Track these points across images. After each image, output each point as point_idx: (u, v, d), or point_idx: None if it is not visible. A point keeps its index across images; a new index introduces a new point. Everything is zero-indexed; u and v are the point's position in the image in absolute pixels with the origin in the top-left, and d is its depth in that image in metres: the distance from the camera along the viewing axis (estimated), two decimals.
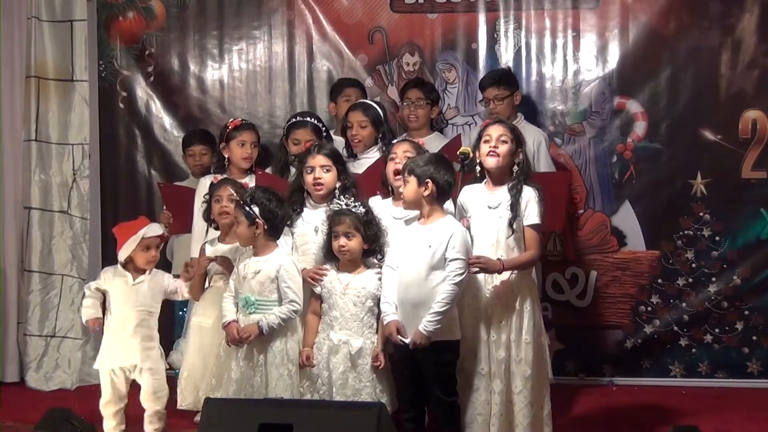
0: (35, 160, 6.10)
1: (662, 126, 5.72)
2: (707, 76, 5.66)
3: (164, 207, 5.60)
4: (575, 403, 5.34)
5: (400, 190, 4.39)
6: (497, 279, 4.36)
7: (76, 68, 6.11)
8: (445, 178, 4.25)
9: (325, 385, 4.38)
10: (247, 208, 4.40)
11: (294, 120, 5.24)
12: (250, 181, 4.98)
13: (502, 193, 4.38)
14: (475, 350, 4.35)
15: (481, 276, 4.36)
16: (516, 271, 4.36)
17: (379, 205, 4.60)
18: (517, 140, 4.41)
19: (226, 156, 5.19)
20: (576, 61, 5.79)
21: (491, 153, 4.37)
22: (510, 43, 5.84)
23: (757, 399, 5.39)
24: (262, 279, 4.40)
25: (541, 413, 4.43)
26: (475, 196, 4.44)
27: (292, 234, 4.62)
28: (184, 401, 4.78)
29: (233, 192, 4.69)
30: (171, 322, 5.49)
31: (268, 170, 5.30)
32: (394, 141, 4.80)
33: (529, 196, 4.35)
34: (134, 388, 4.67)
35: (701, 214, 5.68)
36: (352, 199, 4.47)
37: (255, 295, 4.41)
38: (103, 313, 4.66)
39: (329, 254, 4.46)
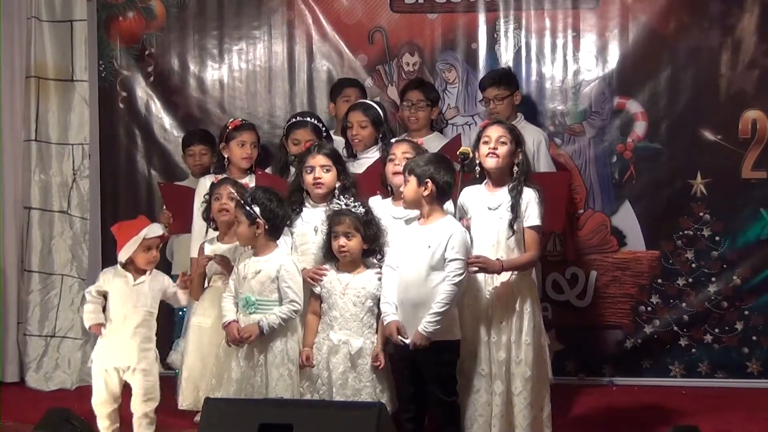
0: (35, 160, 6.10)
1: (662, 126, 5.72)
2: (707, 76, 5.67)
3: (164, 207, 5.60)
4: (575, 403, 5.34)
5: (401, 189, 4.39)
6: (497, 280, 4.36)
7: (76, 68, 6.11)
8: (445, 179, 4.25)
9: (324, 385, 4.38)
10: (248, 208, 4.40)
11: (294, 120, 5.24)
12: (250, 181, 4.98)
13: (503, 194, 4.38)
14: (476, 351, 4.35)
15: (481, 277, 4.36)
16: (516, 272, 4.36)
17: (378, 205, 4.60)
18: (517, 140, 4.40)
19: (226, 156, 5.19)
20: (576, 61, 5.79)
21: (490, 154, 4.36)
22: (510, 43, 5.84)
23: (757, 399, 5.39)
24: (263, 279, 4.40)
25: (541, 414, 4.43)
26: (475, 197, 4.43)
27: (292, 234, 4.62)
28: (184, 401, 4.78)
29: (233, 190, 4.69)
30: (170, 323, 5.49)
31: (268, 170, 5.30)
32: (393, 140, 4.78)
33: (530, 197, 4.35)
34: (128, 388, 4.63)
35: (701, 214, 5.68)
36: (352, 199, 4.47)
37: (255, 295, 4.41)
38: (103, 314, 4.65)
39: (329, 254, 4.46)
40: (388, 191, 4.64)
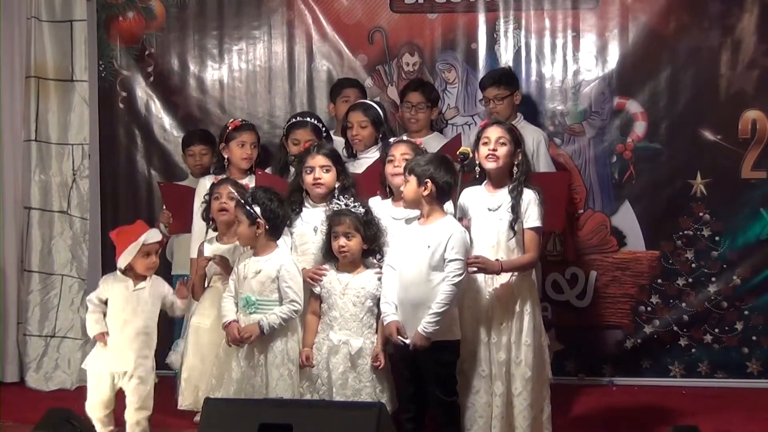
0: (35, 160, 6.10)
1: (662, 126, 5.72)
2: (707, 76, 5.67)
3: (164, 206, 5.61)
4: (575, 403, 5.34)
5: (401, 189, 4.39)
6: (497, 282, 4.35)
7: (76, 68, 6.11)
8: (445, 179, 4.24)
9: (324, 386, 4.38)
10: (249, 208, 4.40)
11: (294, 120, 5.23)
12: (249, 182, 4.98)
13: (503, 195, 4.38)
14: (475, 352, 4.35)
15: (481, 278, 4.36)
16: (516, 274, 4.36)
17: (378, 205, 4.60)
18: (516, 141, 4.40)
19: (226, 156, 5.19)
20: (576, 61, 5.79)
21: (490, 156, 4.36)
22: (510, 43, 5.84)
23: (757, 399, 5.39)
24: (263, 279, 4.40)
25: (541, 416, 4.42)
26: (475, 198, 4.43)
27: (291, 234, 4.62)
28: (184, 401, 4.78)
29: (233, 190, 4.68)
30: (170, 323, 5.45)
31: (268, 170, 5.30)
32: (392, 140, 4.77)
33: (530, 198, 4.35)
34: (121, 393, 4.59)
35: (701, 214, 5.68)
36: (352, 199, 4.47)
37: (255, 295, 4.41)
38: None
39: (328, 254, 4.46)
40: (388, 192, 4.63)
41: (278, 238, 4.50)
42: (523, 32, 5.82)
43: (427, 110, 5.44)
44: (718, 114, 5.66)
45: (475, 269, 4.26)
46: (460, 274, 4.18)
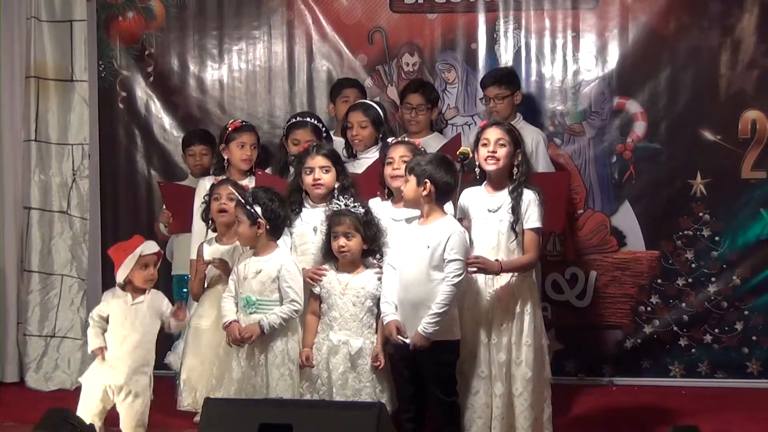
0: (35, 160, 6.10)
1: (662, 126, 5.72)
2: (707, 76, 5.66)
3: (164, 206, 5.61)
4: (575, 403, 5.34)
5: (402, 188, 4.38)
6: (498, 283, 4.35)
7: (75, 68, 6.11)
8: (444, 179, 4.24)
9: (324, 386, 4.39)
10: (249, 208, 4.40)
11: (294, 120, 5.23)
12: (249, 183, 4.98)
13: (503, 196, 4.38)
14: (475, 353, 4.35)
15: (481, 279, 4.36)
16: (516, 274, 4.36)
17: (378, 206, 4.60)
18: (515, 142, 4.40)
19: (226, 157, 5.19)
20: (576, 61, 5.79)
21: (489, 157, 4.36)
22: (510, 43, 5.84)
23: (757, 399, 5.39)
24: (264, 279, 4.40)
25: (542, 416, 4.43)
26: (475, 199, 4.43)
27: (291, 234, 4.62)
28: (183, 402, 4.78)
29: (233, 190, 4.68)
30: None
31: (268, 170, 5.30)
32: (390, 140, 4.76)
33: (530, 198, 4.35)
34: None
35: (701, 214, 5.68)
36: (351, 199, 4.47)
37: (256, 295, 4.41)
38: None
39: (328, 254, 4.46)
40: (387, 192, 4.63)
41: (279, 238, 4.51)
42: (523, 32, 5.82)
43: (428, 112, 5.44)
44: (718, 114, 5.66)
45: (475, 269, 4.26)
46: (460, 275, 4.18)
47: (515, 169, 4.38)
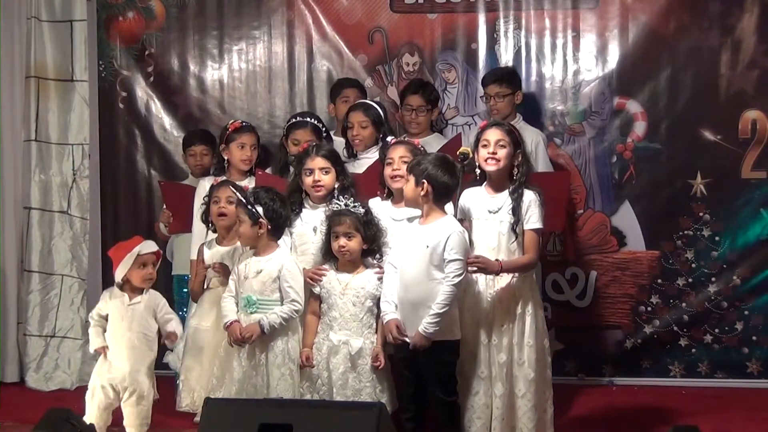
0: (35, 160, 6.10)
1: (662, 126, 5.72)
2: (707, 76, 5.66)
3: (164, 206, 5.60)
4: (575, 403, 5.34)
5: (403, 190, 4.38)
6: (498, 285, 4.35)
7: (76, 68, 6.11)
8: (442, 179, 4.22)
9: (325, 386, 4.38)
10: (251, 208, 4.40)
11: (294, 120, 5.23)
12: (249, 183, 4.97)
13: (503, 197, 4.38)
14: (475, 354, 4.35)
15: (482, 281, 4.36)
16: (516, 275, 4.36)
17: (378, 206, 4.59)
18: (516, 142, 4.39)
19: (226, 158, 5.19)
20: (576, 61, 5.79)
21: (490, 159, 4.36)
22: (510, 43, 5.84)
23: (757, 399, 5.39)
24: (264, 279, 4.40)
25: (545, 416, 4.43)
26: (475, 199, 4.43)
27: (291, 234, 4.62)
28: (182, 403, 4.78)
29: (232, 194, 4.67)
30: None
31: (268, 170, 5.30)
32: (390, 140, 4.75)
33: (530, 199, 4.35)
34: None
35: (701, 214, 5.68)
36: (351, 199, 4.47)
37: (257, 295, 4.41)
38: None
39: (328, 254, 4.46)
40: (387, 192, 4.63)
41: (280, 238, 4.51)
42: (523, 32, 5.82)
43: (428, 113, 5.44)
44: (718, 114, 5.66)
45: (475, 269, 4.26)
46: (460, 275, 4.18)
47: (515, 169, 4.38)
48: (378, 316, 4.38)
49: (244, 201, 4.44)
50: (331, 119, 5.73)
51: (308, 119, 5.19)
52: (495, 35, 5.84)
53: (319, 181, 4.60)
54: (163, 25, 6.12)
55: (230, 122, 5.33)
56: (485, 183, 4.45)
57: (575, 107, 5.80)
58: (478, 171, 4.43)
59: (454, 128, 5.87)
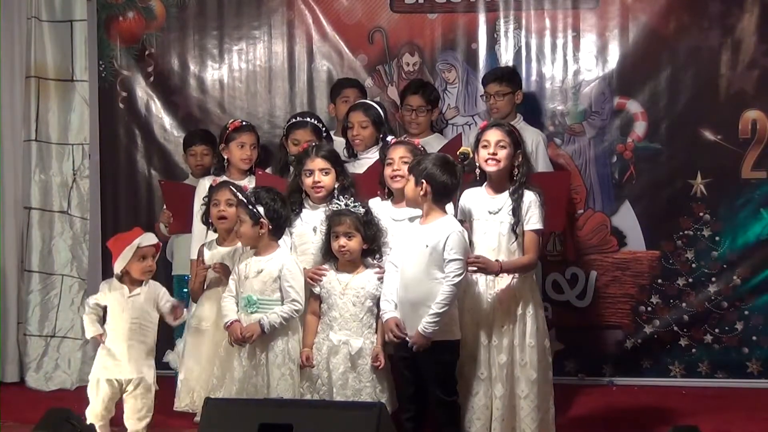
0: (35, 160, 6.10)
1: (662, 126, 5.72)
2: (707, 76, 5.66)
3: (164, 206, 5.60)
4: (575, 403, 5.34)
5: (405, 190, 4.38)
6: (498, 286, 4.35)
7: (76, 68, 6.11)
8: (441, 179, 4.22)
9: (325, 386, 4.39)
10: (252, 208, 4.40)
11: (294, 120, 5.23)
12: (249, 183, 4.98)
13: (503, 198, 4.38)
14: (475, 355, 4.35)
15: (482, 281, 4.36)
16: (516, 276, 4.36)
17: (378, 206, 4.59)
18: (516, 143, 4.39)
19: (226, 157, 5.19)
20: (576, 61, 5.79)
21: (490, 159, 4.36)
22: (510, 43, 5.83)
23: (757, 399, 5.39)
24: (265, 278, 4.41)
25: (547, 417, 4.43)
26: (475, 200, 4.43)
27: (291, 234, 4.62)
28: (180, 403, 4.79)
29: (231, 196, 4.67)
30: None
31: (268, 170, 5.30)
32: (390, 139, 4.75)
33: (530, 200, 4.35)
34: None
35: (701, 214, 5.68)
36: (352, 199, 4.47)
37: (257, 295, 4.41)
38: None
39: (328, 254, 4.46)
40: (387, 192, 4.63)
41: (280, 238, 4.51)
42: (523, 32, 5.82)
43: (428, 113, 5.45)
44: (718, 114, 5.66)
45: (475, 269, 4.26)
46: (460, 274, 4.18)
47: (516, 170, 4.38)
48: (378, 316, 4.38)
49: (245, 201, 4.44)
50: (331, 119, 5.73)
51: (308, 119, 5.20)
52: (495, 35, 5.84)
53: (319, 182, 4.60)
54: (164, 25, 6.12)
55: (230, 121, 5.34)
56: (485, 183, 4.45)
57: (575, 107, 5.80)
58: (478, 171, 4.43)
59: (455, 128, 5.87)
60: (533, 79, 5.83)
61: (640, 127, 5.74)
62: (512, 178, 4.39)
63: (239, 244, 4.62)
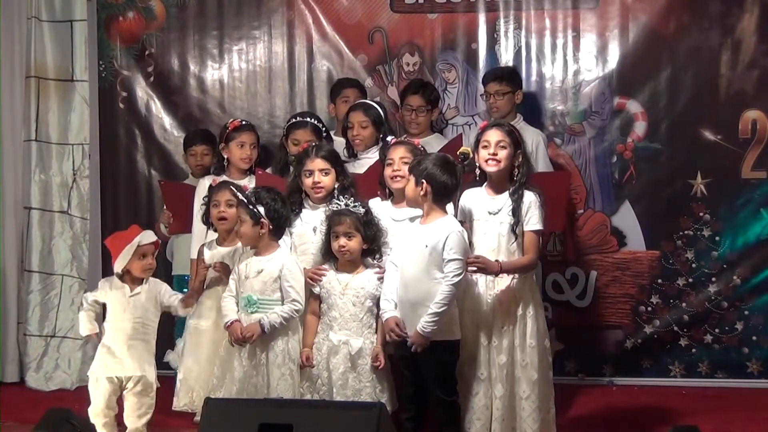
0: (35, 160, 6.10)
1: (662, 126, 5.72)
2: (707, 76, 5.66)
3: (164, 207, 5.60)
4: (575, 403, 5.34)
5: (405, 190, 4.38)
6: (498, 287, 4.35)
7: (76, 68, 6.11)
8: (441, 179, 4.22)
9: (325, 386, 4.39)
10: (252, 208, 4.40)
11: (294, 120, 5.23)
12: (249, 182, 4.98)
13: (503, 199, 4.38)
14: (475, 355, 4.35)
15: (482, 282, 4.36)
16: (516, 277, 4.36)
17: (378, 206, 4.59)
18: (516, 143, 4.39)
19: (226, 156, 5.19)
20: (576, 61, 5.79)
21: (490, 160, 4.36)
22: (510, 43, 5.84)
23: (757, 399, 5.39)
24: (265, 278, 4.41)
25: (548, 417, 4.43)
26: (475, 200, 4.43)
27: (291, 234, 4.62)
28: (179, 403, 4.79)
29: (231, 197, 4.67)
30: (172, 322, 5.48)
31: (268, 170, 5.30)
32: (390, 140, 4.75)
33: (531, 200, 4.35)
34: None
35: (701, 214, 5.68)
36: (352, 199, 4.47)
37: (257, 295, 4.41)
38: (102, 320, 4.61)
39: (328, 254, 4.46)
40: (387, 193, 4.63)
41: (280, 238, 4.51)
42: (523, 32, 5.82)
43: (428, 113, 5.45)
44: (718, 114, 5.66)
45: (475, 269, 4.26)
46: (459, 274, 4.18)
47: (516, 170, 4.38)
48: (378, 316, 4.38)
49: (245, 201, 4.44)
50: (331, 119, 5.73)
51: (308, 119, 5.20)
52: (495, 35, 5.84)
53: (319, 182, 4.60)
54: (164, 25, 6.12)
55: (230, 121, 5.34)
56: (485, 184, 4.45)
57: (575, 107, 5.80)
58: (478, 171, 4.43)
59: (455, 128, 5.87)
60: (533, 79, 5.83)
61: (640, 127, 5.74)
62: (512, 179, 4.39)
63: (239, 244, 4.62)
